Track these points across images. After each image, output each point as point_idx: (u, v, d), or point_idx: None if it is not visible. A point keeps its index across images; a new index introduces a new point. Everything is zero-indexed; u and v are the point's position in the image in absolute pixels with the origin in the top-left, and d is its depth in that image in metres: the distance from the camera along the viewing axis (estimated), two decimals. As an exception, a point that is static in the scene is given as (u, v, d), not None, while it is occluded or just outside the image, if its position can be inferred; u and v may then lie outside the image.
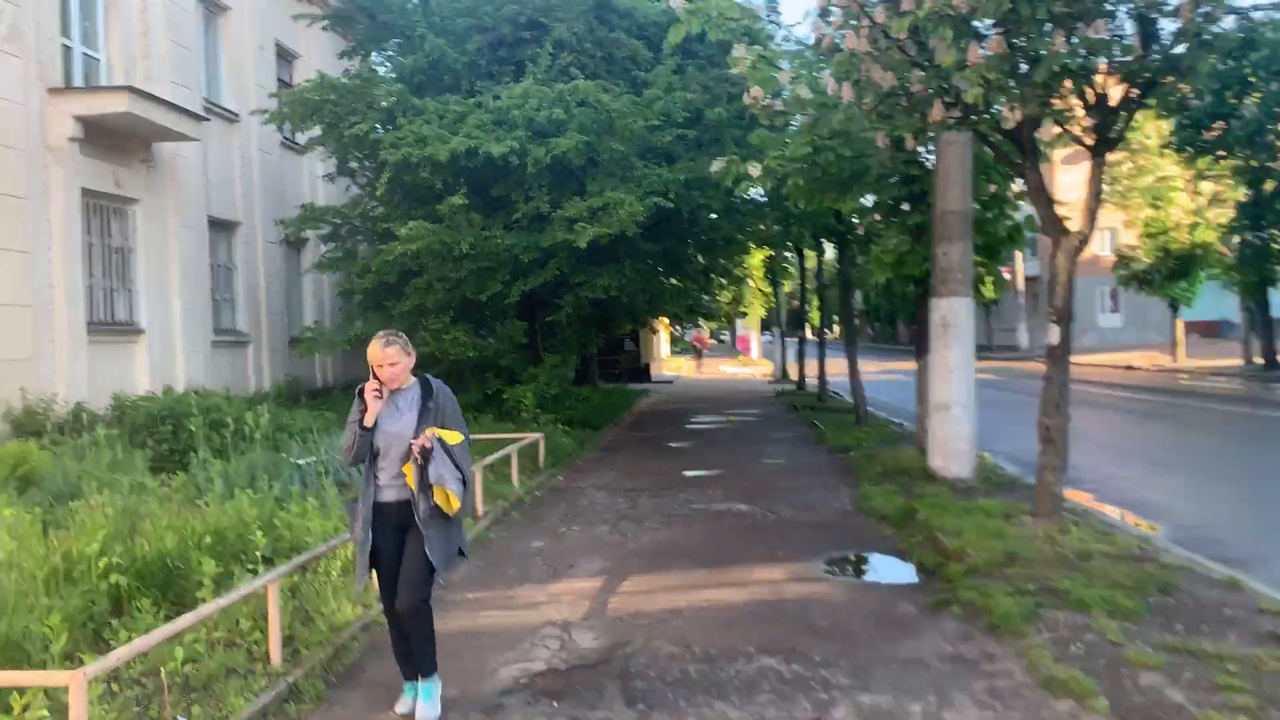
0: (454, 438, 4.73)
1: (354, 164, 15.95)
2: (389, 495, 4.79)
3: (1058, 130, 8.42)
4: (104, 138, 13.50)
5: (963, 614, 6.38)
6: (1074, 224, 8.30)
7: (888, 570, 7.87)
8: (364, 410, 4.71)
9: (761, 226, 18.66)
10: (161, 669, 4.95)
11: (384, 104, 14.03)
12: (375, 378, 4.68)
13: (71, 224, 13.02)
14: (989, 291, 12.65)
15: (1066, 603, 6.21)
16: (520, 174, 14.15)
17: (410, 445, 4.62)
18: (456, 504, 4.68)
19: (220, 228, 17.27)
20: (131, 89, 13.19)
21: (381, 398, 4.72)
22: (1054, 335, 8.36)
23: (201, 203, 16.34)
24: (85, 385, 13.05)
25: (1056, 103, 7.93)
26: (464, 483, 4.75)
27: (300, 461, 9.91)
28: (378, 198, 15.25)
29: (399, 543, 4.78)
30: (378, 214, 15.81)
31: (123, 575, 5.73)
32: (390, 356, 4.71)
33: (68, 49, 13.56)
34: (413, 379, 4.88)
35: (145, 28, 14.90)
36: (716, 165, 11.11)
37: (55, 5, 13.04)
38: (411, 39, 15.64)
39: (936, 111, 8.02)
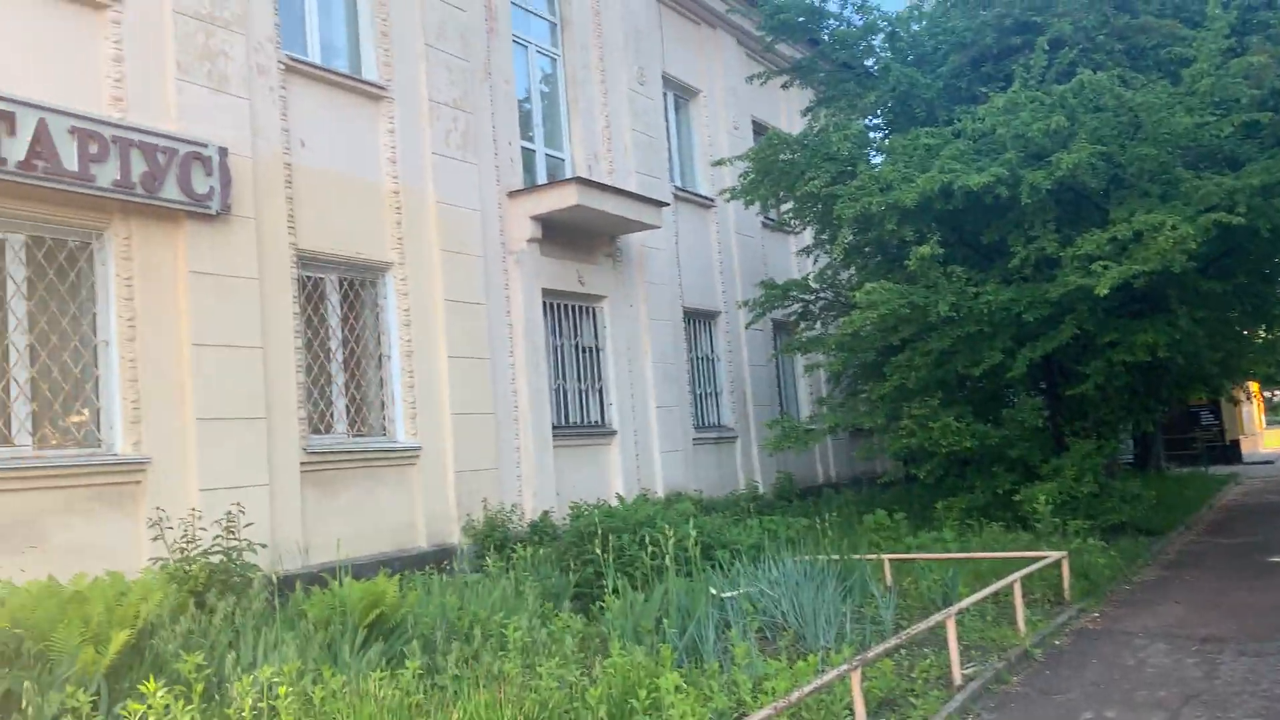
0: None
1: (822, 230, 13.97)
2: None
3: None
4: (563, 235, 13.01)
5: None
6: None
7: None
8: None
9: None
10: None
11: (839, 151, 11.87)
12: None
13: (534, 326, 12.56)
14: None
15: None
16: (1014, 209, 11.07)
17: None
18: None
19: (698, 318, 16.27)
20: (580, 180, 12.55)
21: None
22: None
23: (675, 293, 15.44)
24: (552, 493, 12.35)
25: None
26: None
27: (724, 594, 7.82)
28: (840, 263, 13.07)
29: None
30: (842, 283, 13.62)
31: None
32: None
33: (529, 151, 13.39)
34: None
35: (608, 121, 14.46)
36: (1309, 152, 7.43)
37: (515, 109, 12.92)
38: (874, 76, 13.39)
39: None
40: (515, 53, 13.20)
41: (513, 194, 12.53)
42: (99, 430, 8.11)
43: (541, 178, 13.40)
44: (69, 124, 7.70)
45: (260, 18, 9.62)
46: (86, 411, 8.11)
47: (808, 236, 16.54)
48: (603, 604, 7.67)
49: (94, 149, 7.86)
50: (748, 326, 16.17)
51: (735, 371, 16.80)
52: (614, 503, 11.76)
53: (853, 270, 13.99)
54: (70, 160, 7.69)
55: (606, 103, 14.49)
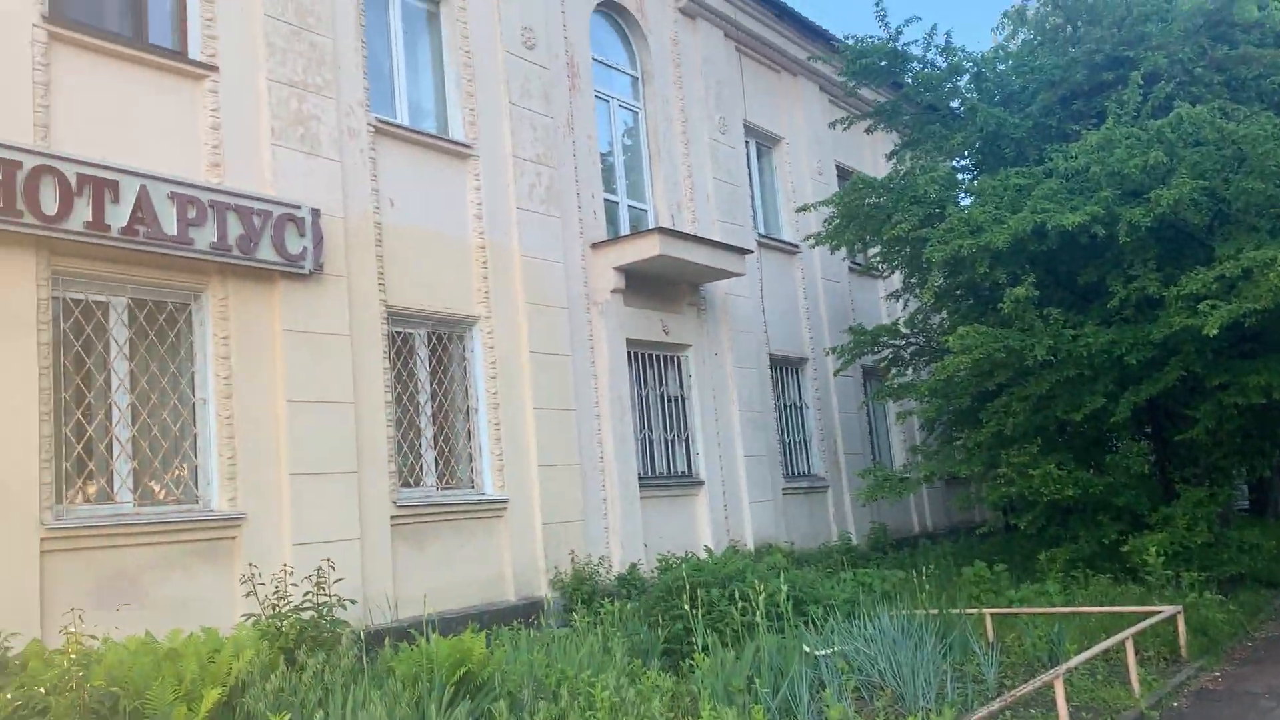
0: None
1: (911, 274, 13.72)
2: None
3: None
4: (646, 285, 13.03)
5: None
6: None
7: None
8: None
9: None
10: None
11: (927, 194, 11.65)
12: None
13: (618, 377, 12.54)
14: None
15: None
16: (1111, 248, 10.70)
17: None
18: None
19: (785, 365, 16.07)
20: (662, 230, 12.57)
21: None
22: None
23: (760, 341, 15.29)
24: (640, 545, 12.22)
25: None
26: None
27: (817, 652, 7.57)
28: (930, 307, 12.76)
29: None
30: (933, 328, 13.29)
31: None
32: None
33: (612, 203, 13.48)
34: None
35: (690, 171, 14.51)
36: None
37: (597, 162, 13.04)
38: (960, 117, 13.15)
39: None
40: (597, 107, 13.36)
41: (596, 245, 12.60)
42: (196, 486, 8.30)
43: (624, 229, 13.46)
44: (169, 190, 8.00)
45: (350, 83, 9.90)
46: (185, 468, 8.31)
47: (896, 280, 16.29)
48: (692, 661, 7.50)
49: (192, 213, 8.13)
50: (837, 373, 15.91)
51: (825, 419, 16.51)
52: (703, 555, 11.59)
53: (944, 314, 13.67)
54: (170, 225, 7.97)
55: (688, 153, 14.54)
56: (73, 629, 5.75)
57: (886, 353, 14.54)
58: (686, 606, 8.15)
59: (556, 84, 12.44)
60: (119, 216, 7.67)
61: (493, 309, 11.07)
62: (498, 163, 11.41)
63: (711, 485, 13.65)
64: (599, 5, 13.55)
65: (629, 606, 9.27)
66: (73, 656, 5.49)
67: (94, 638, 6.11)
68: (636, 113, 14.17)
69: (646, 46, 14.22)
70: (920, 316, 14.17)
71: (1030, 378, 11.32)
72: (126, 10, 8.62)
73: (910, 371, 14.65)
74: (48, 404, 7.31)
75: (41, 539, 7.08)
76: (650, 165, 14.11)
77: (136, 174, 7.83)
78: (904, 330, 14.04)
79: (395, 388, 10.02)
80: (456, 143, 11.05)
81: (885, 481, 13.14)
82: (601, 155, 13.27)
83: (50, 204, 7.29)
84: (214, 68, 8.74)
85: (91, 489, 7.76)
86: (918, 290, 13.02)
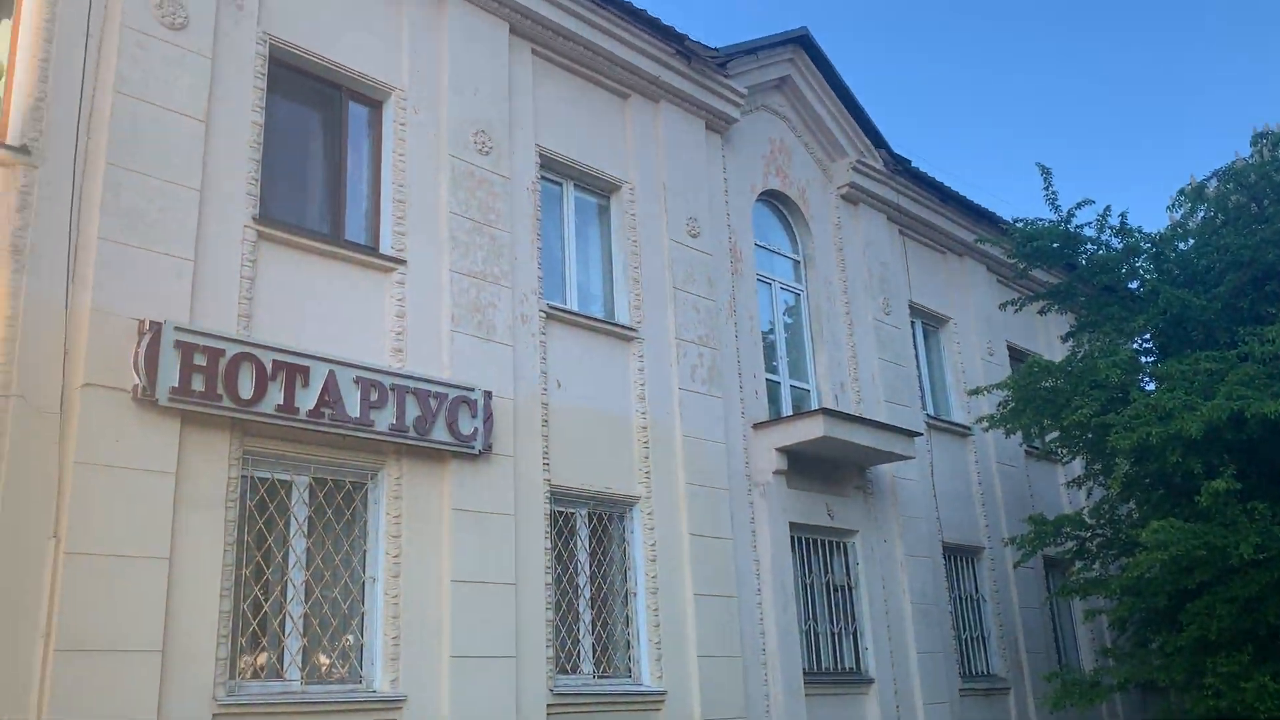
0: None
1: (1093, 461, 12.95)
2: None
3: None
4: (810, 467, 12.75)
5: None
6: None
7: None
8: None
9: None
10: None
11: (1108, 379, 11.09)
12: None
13: (781, 562, 12.15)
14: None
15: None
16: (1323, 438, 9.86)
17: None
18: None
19: (959, 554, 15.25)
20: (826, 411, 12.38)
21: None
22: None
23: (932, 528, 14.62)
24: (806, 748, 11.52)
25: None
26: None
27: None
28: (1116, 497, 11.93)
29: None
30: (1121, 519, 12.37)
31: None
32: None
33: (774, 383, 13.41)
34: None
35: (854, 351, 14.37)
36: None
37: (759, 343, 13.10)
38: (1139, 298, 12.63)
39: None
40: (759, 290, 13.49)
41: (757, 426, 12.48)
42: (360, 666, 8.36)
43: (786, 409, 13.32)
44: (354, 375, 8.44)
45: (526, 272, 10.37)
46: (351, 647, 8.40)
47: (1076, 467, 15.42)
48: None
49: (374, 396, 8.53)
50: (1017, 565, 14.95)
51: (1005, 614, 15.44)
52: (872, 761, 10.78)
53: (1132, 504, 12.77)
54: (353, 407, 8.36)
55: (852, 333, 14.42)
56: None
57: (1070, 544, 13.59)
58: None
59: (719, 269, 12.69)
60: (307, 399, 8.11)
61: (653, 489, 11.01)
62: (661, 344, 11.59)
63: (882, 684, 12.83)
64: (762, 194, 13.91)
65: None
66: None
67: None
68: (798, 294, 14.26)
69: (809, 231, 14.43)
70: (1106, 506, 13.26)
71: (1236, 577, 10.31)
72: (327, 210, 9.37)
73: (1097, 565, 13.60)
74: (229, 579, 7.58)
75: (213, 714, 7.22)
76: (812, 345, 14.06)
77: (325, 359, 8.31)
78: (1089, 521, 13.14)
79: (555, 569, 9.97)
80: (622, 326, 11.32)
81: (1074, 688, 12.00)
82: (763, 335, 13.32)
83: (246, 388, 7.78)
84: (402, 261, 9.33)
85: (261, 663, 7.92)
86: (1102, 479, 12.25)
